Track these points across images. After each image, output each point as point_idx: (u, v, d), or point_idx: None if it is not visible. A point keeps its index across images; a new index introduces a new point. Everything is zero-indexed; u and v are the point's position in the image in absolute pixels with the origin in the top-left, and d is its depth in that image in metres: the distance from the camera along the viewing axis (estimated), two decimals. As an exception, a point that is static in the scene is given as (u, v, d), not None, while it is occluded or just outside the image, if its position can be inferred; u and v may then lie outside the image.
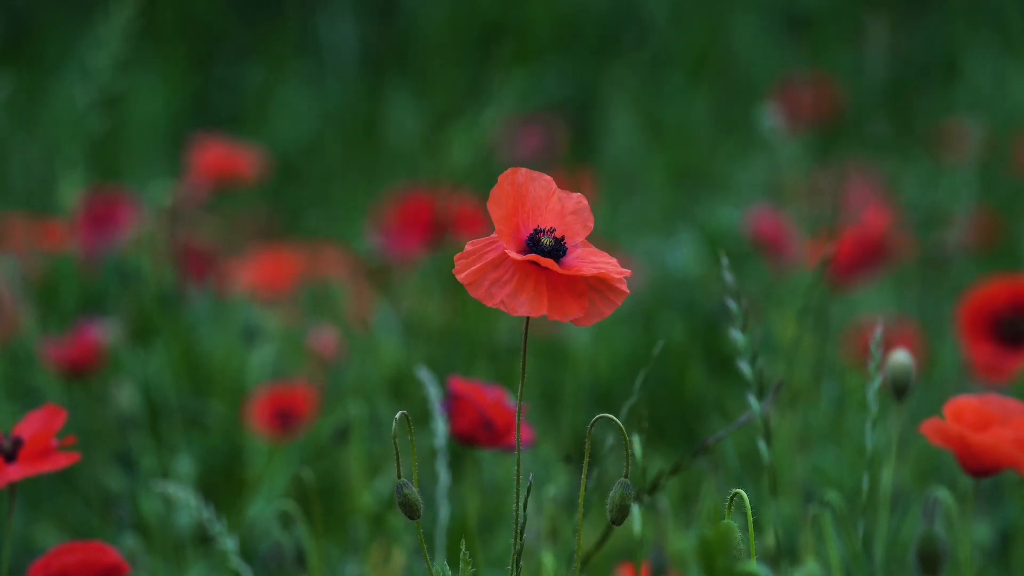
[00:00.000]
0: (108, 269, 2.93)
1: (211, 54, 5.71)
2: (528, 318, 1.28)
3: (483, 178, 3.15)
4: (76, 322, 2.59)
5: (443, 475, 1.70)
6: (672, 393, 2.77)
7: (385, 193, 3.87)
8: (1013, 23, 5.33)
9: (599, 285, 1.27)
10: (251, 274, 3.29)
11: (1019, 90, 4.89)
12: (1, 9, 5.66)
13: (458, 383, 1.62)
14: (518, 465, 1.30)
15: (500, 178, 1.29)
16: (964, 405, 1.50)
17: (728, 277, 1.51)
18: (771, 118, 2.94)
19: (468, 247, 1.27)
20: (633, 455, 1.50)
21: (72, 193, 2.82)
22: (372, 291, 3.26)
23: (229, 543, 1.61)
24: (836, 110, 4.58)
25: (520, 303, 1.25)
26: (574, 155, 4.44)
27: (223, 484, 2.42)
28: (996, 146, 4.30)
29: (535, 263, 1.26)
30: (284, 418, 2.29)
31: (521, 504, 1.31)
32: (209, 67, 5.67)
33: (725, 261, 1.52)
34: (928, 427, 1.49)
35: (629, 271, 1.28)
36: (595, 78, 5.27)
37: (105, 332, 2.49)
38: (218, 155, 3.23)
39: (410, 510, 1.31)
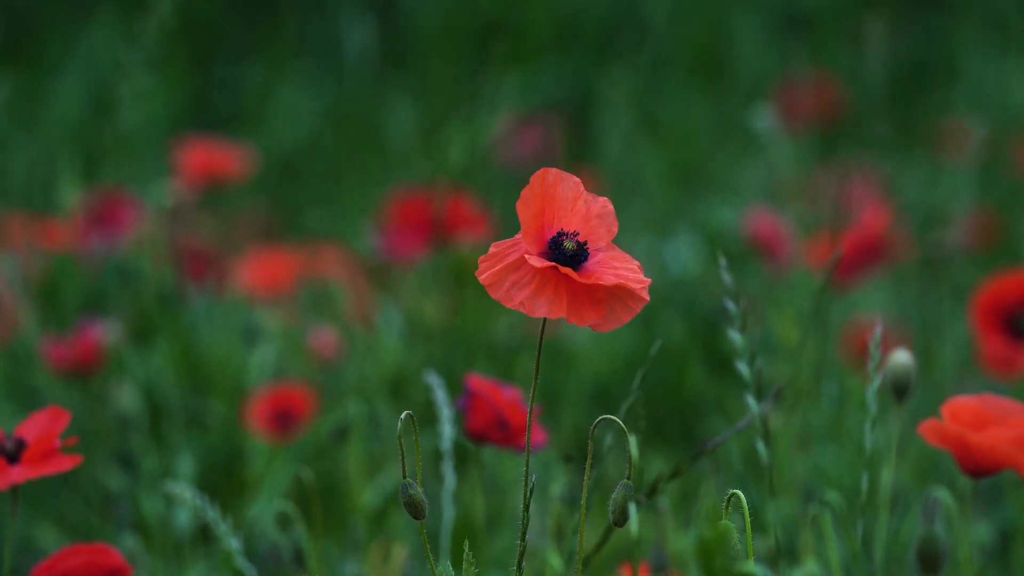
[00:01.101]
0: (108, 269, 2.93)
1: (211, 54, 5.71)
2: (545, 320, 1.28)
3: (482, 178, 3.15)
4: (76, 322, 2.59)
5: (449, 476, 1.70)
6: (672, 393, 2.77)
7: (384, 193, 3.87)
8: (1013, 23, 5.34)
9: (620, 292, 1.28)
10: (251, 274, 3.29)
11: (1019, 90, 4.89)
12: (1, 9, 5.66)
13: (475, 381, 1.62)
14: (527, 466, 1.30)
15: (532, 178, 1.29)
16: (962, 405, 1.50)
17: (726, 278, 1.51)
18: (765, 119, 2.94)
19: (492, 249, 1.27)
20: (631, 455, 1.50)
21: (72, 193, 2.82)
22: (372, 291, 3.26)
23: (233, 543, 1.61)
24: (836, 110, 4.58)
25: (539, 306, 1.26)
26: (573, 155, 4.44)
27: (223, 484, 2.42)
28: (996, 146, 4.30)
29: (555, 268, 1.27)
30: (284, 418, 2.30)
31: (525, 505, 1.31)
32: (209, 67, 5.68)
33: (723, 262, 1.52)
34: (926, 428, 1.49)
35: (649, 280, 1.29)
36: (594, 78, 5.27)
37: (105, 332, 2.49)
38: (205, 155, 3.22)
39: (415, 510, 1.31)
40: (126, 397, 2.33)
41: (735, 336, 1.51)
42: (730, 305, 1.51)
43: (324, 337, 2.78)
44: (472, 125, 2.87)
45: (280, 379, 2.56)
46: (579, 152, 4.71)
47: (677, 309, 2.97)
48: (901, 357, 1.60)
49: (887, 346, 2.09)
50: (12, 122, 4.85)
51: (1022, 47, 5.20)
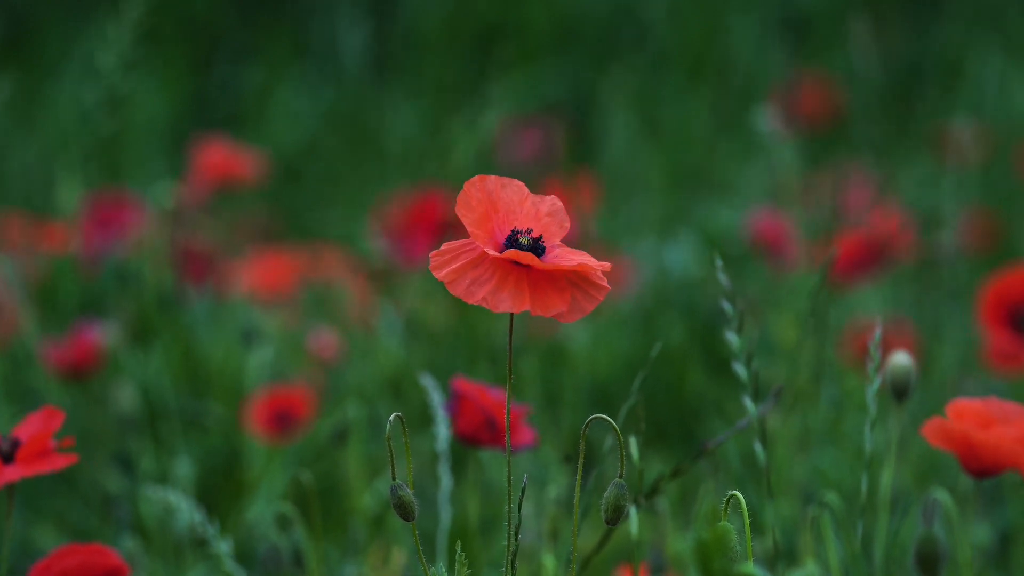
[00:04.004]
0: (107, 271, 2.93)
1: (210, 55, 5.71)
2: (513, 316, 1.28)
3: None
4: (76, 324, 2.59)
5: (445, 478, 1.70)
6: (672, 394, 2.77)
7: (385, 195, 3.87)
8: (1013, 25, 5.34)
9: (580, 282, 1.28)
10: (250, 276, 3.29)
11: (1020, 92, 4.89)
12: (1, 9, 5.66)
13: (462, 383, 1.62)
14: (508, 466, 1.30)
15: (466, 185, 1.29)
16: (966, 407, 1.51)
17: (723, 279, 1.51)
18: (768, 121, 2.94)
19: (444, 247, 1.28)
20: (630, 456, 1.50)
21: (71, 194, 2.82)
22: (373, 293, 3.26)
23: (223, 546, 1.61)
24: (835, 112, 4.58)
25: (501, 300, 1.25)
26: (573, 157, 4.44)
27: (222, 486, 2.42)
28: (997, 149, 4.30)
29: (515, 261, 1.26)
30: (283, 420, 2.29)
31: (515, 505, 1.31)
32: (208, 68, 5.68)
33: (719, 263, 1.52)
34: (930, 428, 1.49)
35: (608, 265, 1.28)
36: (594, 79, 5.27)
37: (104, 334, 2.49)
38: (220, 157, 3.23)
39: (405, 512, 1.31)
40: (125, 398, 2.33)
41: (731, 337, 1.51)
42: (726, 306, 1.51)
43: (324, 339, 2.78)
44: (473, 127, 2.87)
45: (279, 381, 2.56)
46: (579, 154, 4.71)
47: (677, 311, 2.97)
48: (901, 359, 1.59)
49: (887, 348, 2.09)
50: (12, 123, 4.85)
51: (1023, 49, 5.20)
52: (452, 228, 2.89)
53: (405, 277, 3.15)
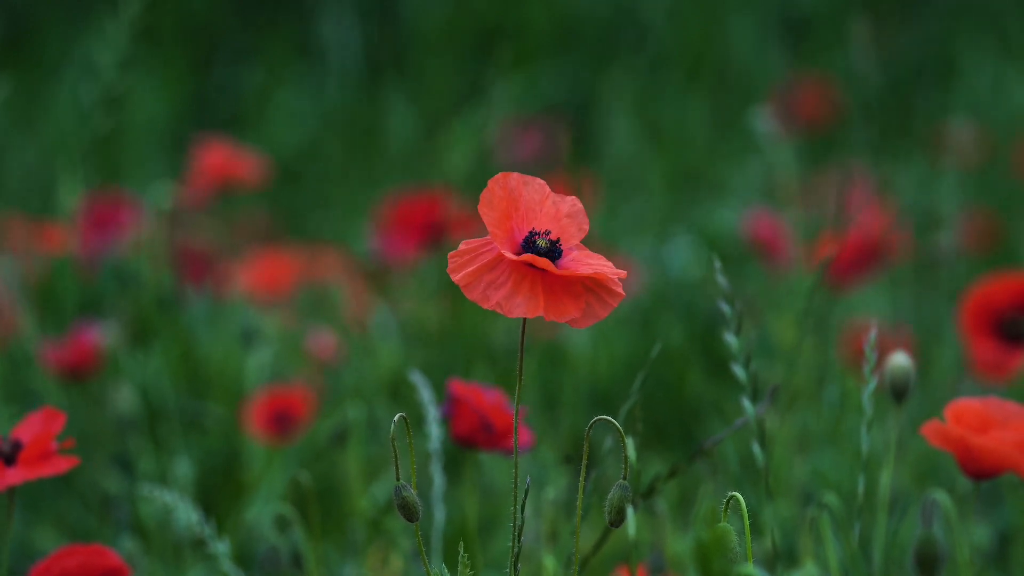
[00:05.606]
0: (107, 271, 2.93)
1: (210, 56, 5.71)
2: (525, 320, 1.28)
3: (481, 181, 3.15)
4: (75, 325, 2.59)
5: (438, 478, 1.70)
6: (671, 395, 2.77)
7: (383, 196, 3.87)
8: (1011, 27, 5.34)
9: (595, 287, 1.27)
10: (250, 276, 3.29)
11: (1018, 93, 4.89)
12: (1, 9, 5.66)
13: (458, 386, 1.62)
14: (516, 467, 1.30)
15: (491, 182, 1.28)
16: (965, 407, 1.50)
17: (722, 280, 1.51)
18: (764, 122, 2.94)
19: (462, 246, 1.27)
20: (629, 457, 1.51)
21: (71, 195, 2.82)
22: (370, 294, 3.26)
23: (220, 546, 1.61)
24: (833, 112, 4.58)
25: (516, 304, 1.25)
26: (572, 158, 4.44)
27: (222, 487, 2.42)
28: (995, 149, 4.30)
29: (531, 264, 1.26)
30: (282, 421, 2.29)
31: (519, 506, 1.31)
32: (208, 69, 5.68)
33: (718, 264, 1.52)
34: (929, 429, 1.49)
35: (625, 272, 1.28)
36: (593, 81, 5.27)
37: (103, 334, 2.49)
38: (220, 158, 3.22)
39: (409, 512, 1.31)
40: (124, 399, 2.33)
41: (730, 339, 1.51)
42: (725, 308, 1.51)
43: (323, 340, 2.78)
44: (471, 128, 2.87)
45: (279, 381, 2.56)
46: (578, 155, 4.71)
47: (676, 312, 2.97)
48: (900, 359, 1.59)
49: (885, 349, 2.09)
50: (11, 123, 4.85)
51: (1020, 50, 5.21)
52: (446, 229, 2.89)
53: (400, 277, 3.15)
